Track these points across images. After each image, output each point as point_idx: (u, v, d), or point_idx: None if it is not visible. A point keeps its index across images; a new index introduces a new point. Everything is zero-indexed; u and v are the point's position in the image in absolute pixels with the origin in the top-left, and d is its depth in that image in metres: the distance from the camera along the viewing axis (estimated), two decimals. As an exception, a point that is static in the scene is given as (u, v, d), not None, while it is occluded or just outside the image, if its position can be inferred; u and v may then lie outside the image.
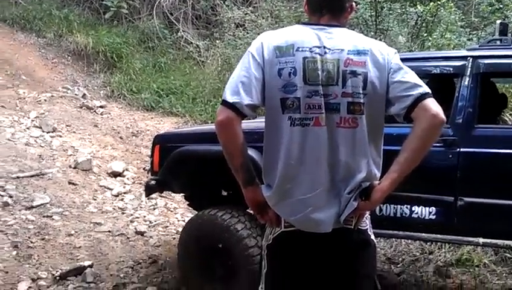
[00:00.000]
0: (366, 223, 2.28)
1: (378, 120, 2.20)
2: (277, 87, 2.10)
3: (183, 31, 11.30)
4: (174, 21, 11.72)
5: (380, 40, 8.70)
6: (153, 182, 4.52)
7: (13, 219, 5.37)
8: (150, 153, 4.94)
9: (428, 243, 5.14)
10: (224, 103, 2.10)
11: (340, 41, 2.15)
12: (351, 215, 2.15)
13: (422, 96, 2.09)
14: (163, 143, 4.55)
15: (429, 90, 2.12)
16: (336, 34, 2.16)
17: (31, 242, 5.06)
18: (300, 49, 2.11)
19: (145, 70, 10.35)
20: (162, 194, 6.14)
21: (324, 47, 2.12)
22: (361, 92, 2.11)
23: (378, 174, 2.20)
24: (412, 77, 2.16)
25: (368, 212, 2.27)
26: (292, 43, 2.12)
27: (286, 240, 2.22)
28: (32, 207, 5.68)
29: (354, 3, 2.35)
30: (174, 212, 6.07)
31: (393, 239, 5.23)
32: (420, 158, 2.13)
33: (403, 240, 5.22)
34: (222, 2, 11.56)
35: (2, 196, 5.75)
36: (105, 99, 9.59)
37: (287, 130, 2.11)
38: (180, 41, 11.32)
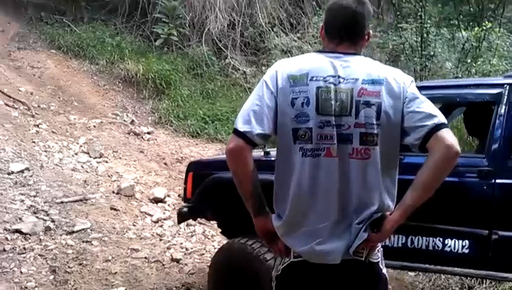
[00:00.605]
0: (378, 256, 2.24)
1: (392, 150, 2.16)
2: (290, 116, 2.10)
3: (231, 57, 11.45)
4: (223, 48, 11.91)
5: (426, 65, 8.75)
6: (185, 209, 4.56)
7: (53, 244, 5.52)
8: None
9: (468, 278, 4.95)
10: (235, 131, 2.12)
11: (355, 70, 2.13)
12: (362, 247, 2.11)
13: (437, 127, 2.05)
14: (197, 170, 4.61)
15: (445, 121, 2.09)
16: (351, 63, 2.15)
17: (69, 267, 5.17)
18: (314, 79, 2.10)
19: (192, 96, 10.51)
20: (201, 221, 6.19)
21: (338, 76, 2.11)
22: (374, 122, 2.08)
23: (392, 206, 2.16)
24: (427, 106, 2.12)
25: (379, 244, 2.23)
26: (306, 72, 2.12)
27: (295, 271, 2.21)
28: (73, 232, 5.82)
29: (371, 31, 2.33)
30: (211, 240, 6.09)
31: (433, 273, 5.07)
32: (433, 189, 2.08)
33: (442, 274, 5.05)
34: (270, 29, 11.69)
35: (45, 220, 5.92)
36: (153, 125, 9.77)
37: (298, 161, 2.11)
38: (227, 68, 11.49)
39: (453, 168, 2.07)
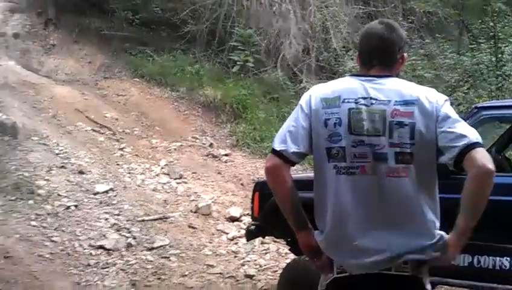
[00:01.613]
0: (424, 271, 2.23)
1: (429, 169, 2.18)
2: (323, 136, 2.17)
3: (306, 81, 11.57)
4: (298, 72, 12.07)
5: (502, 85, 8.51)
6: (253, 227, 4.69)
7: (134, 259, 5.80)
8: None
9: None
10: (273, 150, 2.24)
11: (387, 92, 2.17)
12: (415, 263, 2.14)
13: (469, 147, 2.04)
14: (263, 190, 4.69)
15: (478, 140, 2.07)
16: (383, 85, 2.19)
17: (148, 281, 5.42)
18: (346, 100, 2.16)
19: (268, 120, 10.68)
20: (275, 239, 6.29)
21: (370, 98, 2.15)
22: (408, 142, 2.11)
23: (437, 222, 2.18)
24: (460, 126, 2.12)
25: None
26: (338, 95, 2.19)
27: (339, 287, 2.24)
28: (153, 248, 6.09)
29: (405, 54, 2.37)
30: (285, 257, 6.14)
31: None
32: (477, 209, 2.06)
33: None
34: (345, 52, 11.76)
35: (127, 237, 6.23)
36: (230, 148, 10.01)
37: (333, 178, 2.17)
38: (303, 92, 11.55)
39: (490, 186, 2.04)
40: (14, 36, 13.34)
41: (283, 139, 2.22)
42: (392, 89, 2.18)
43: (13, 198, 6.53)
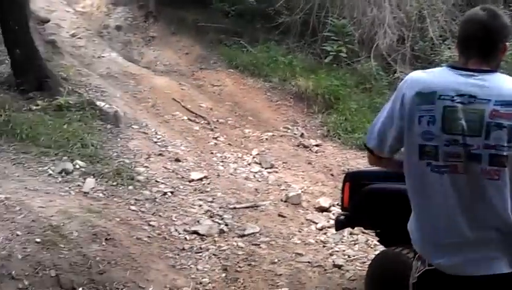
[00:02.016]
0: None
1: None
2: (416, 133, 2.15)
3: (400, 71, 11.37)
4: (392, 62, 11.89)
5: None
6: (342, 217, 4.74)
7: (226, 245, 6.00)
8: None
9: None
10: (365, 145, 2.34)
11: (488, 90, 2.09)
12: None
13: None
14: (353, 180, 4.73)
15: None
16: (484, 81, 2.11)
17: (239, 267, 5.60)
18: (441, 97, 2.11)
19: (360, 110, 10.62)
20: (364, 231, 6.31)
21: (469, 96, 2.08)
22: (505, 144, 2.04)
23: None
24: None
25: None
26: (434, 90, 2.12)
27: (430, 279, 2.24)
28: (244, 235, 6.27)
29: (507, 43, 2.25)
30: (374, 249, 6.14)
31: None
32: None
33: None
34: (442, 41, 11.45)
35: (220, 224, 6.46)
36: (321, 138, 10.06)
37: (425, 176, 2.16)
38: (396, 82, 11.41)
39: None
40: (116, 28, 14.07)
41: (374, 136, 2.30)
42: (493, 86, 2.10)
43: (114, 183, 6.91)
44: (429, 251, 2.22)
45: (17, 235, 5.06)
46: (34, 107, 8.48)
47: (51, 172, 6.89)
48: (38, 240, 5.02)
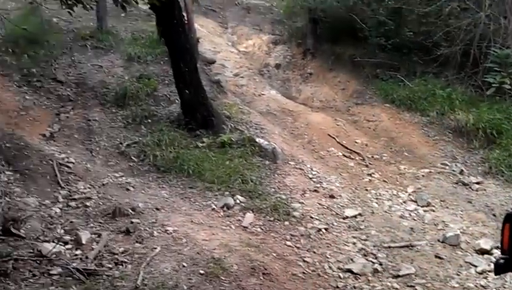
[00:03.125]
0: None
1: None
2: None
3: None
4: None
5: None
6: (502, 261, 4.56)
7: (380, 286, 6.02)
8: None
9: None
10: None
11: None
12: None
13: None
14: (514, 222, 4.53)
15: None
16: None
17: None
18: None
19: (528, 146, 10.03)
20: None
21: None
22: None
23: None
24: None
25: None
26: None
27: None
28: (399, 276, 6.24)
29: None
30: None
31: None
32: None
33: None
34: None
35: (374, 263, 6.50)
36: (482, 175, 9.63)
37: None
38: None
39: None
40: (276, 66, 14.73)
41: None
42: None
43: (271, 218, 7.28)
44: None
45: (183, 266, 5.56)
46: (200, 144, 9.21)
47: (214, 206, 7.45)
48: (202, 271, 5.48)
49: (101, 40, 12.61)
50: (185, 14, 10.51)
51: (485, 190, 9.08)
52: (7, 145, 7.33)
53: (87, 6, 3.85)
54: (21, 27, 9.85)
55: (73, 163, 8.05)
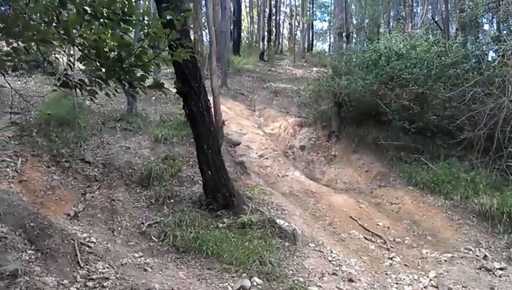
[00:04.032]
0: None
1: None
2: None
3: None
4: None
5: None
6: None
7: None
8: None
9: None
10: None
11: None
12: None
13: None
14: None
15: None
16: None
17: None
18: None
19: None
20: None
21: None
22: None
23: None
24: None
25: None
26: None
27: None
28: None
29: None
30: None
31: None
32: None
33: None
34: None
35: None
36: (507, 261, 9.43)
37: None
38: None
39: None
40: (301, 148, 14.98)
41: None
42: None
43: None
44: None
45: None
46: (221, 225, 9.30)
47: (230, 288, 7.44)
48: None
49: (130, 122, 13.10)
50: (211, 98, 10.90)
51: (508, 276, 8.85)
52: (31, 224, 7.53)
53: (110, 93, 4.11)
54: (46, 112, 10.34)
55: (94, 243, 8.21)
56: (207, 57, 15.86)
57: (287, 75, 26.71)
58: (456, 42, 15.49)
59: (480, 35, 18.98)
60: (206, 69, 16.09)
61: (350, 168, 13.67)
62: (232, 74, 23.93)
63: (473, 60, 15.01)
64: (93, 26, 3.46)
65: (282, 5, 41.84)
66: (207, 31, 18.69)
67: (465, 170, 12.16)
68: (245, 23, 43.20)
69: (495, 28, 18.02)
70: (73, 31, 3.36)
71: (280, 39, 39.96)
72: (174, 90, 9.32)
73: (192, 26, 14.50)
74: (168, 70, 17.32)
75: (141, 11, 9.27)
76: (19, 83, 14.51)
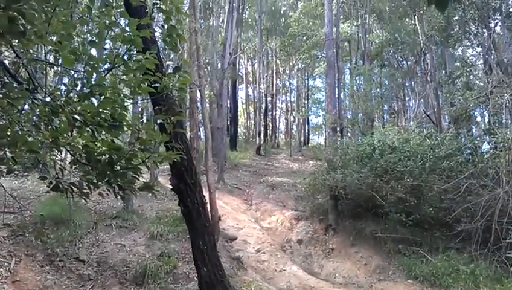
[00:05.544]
0: None
1: None
2: None
3: None
4: None
5: None
6: None
7: None
8: None
9: None
10: None
11: None
12: None
13: None
14: None
15: None
16: None
17: None
18: None
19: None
20: None
21: None
22: None
23: None
24: None
25: None
26: None
27: None
28: None
29: None
30: None
31: None
32: None
33: None
34: None
35: None
36: None
37: None
38: None
39: None
40: (298, 242, 14.86)
41: None
42: None
43: None
44: None
45: None
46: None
47: None
48: None
49: (125, 220, 13.07)
50: (207, 193, 10.95)
51: None
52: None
53: (103, 193, 4.16)
54: (39, 213, 10.36)
55: None
56: (203, 153, 16.09)
57: (283, 169, 26.96)
58: (448, 135, 15.76)
59: (473, 126, 19.39)
60: (202, 165, 16.26)
61: (348, 261, 13.50)
62: (229, 168, 24.16)
63: (467, 152, 15.23)
64: (85, 134, 3.57)
65: (278, 101, 42.96)
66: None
67: (465, 262, 11.99)
68: (242, 119, 44.13)
69: (486, 120, 18.43)
70: (63, 138, 3.47)
71: (276, 133, 40.71)
72: (171, 187, 9.39)
73: (188, 124, 14.82)
74: (165, 166, 17.50)
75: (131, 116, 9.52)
76: (15, 182, 14.62)
